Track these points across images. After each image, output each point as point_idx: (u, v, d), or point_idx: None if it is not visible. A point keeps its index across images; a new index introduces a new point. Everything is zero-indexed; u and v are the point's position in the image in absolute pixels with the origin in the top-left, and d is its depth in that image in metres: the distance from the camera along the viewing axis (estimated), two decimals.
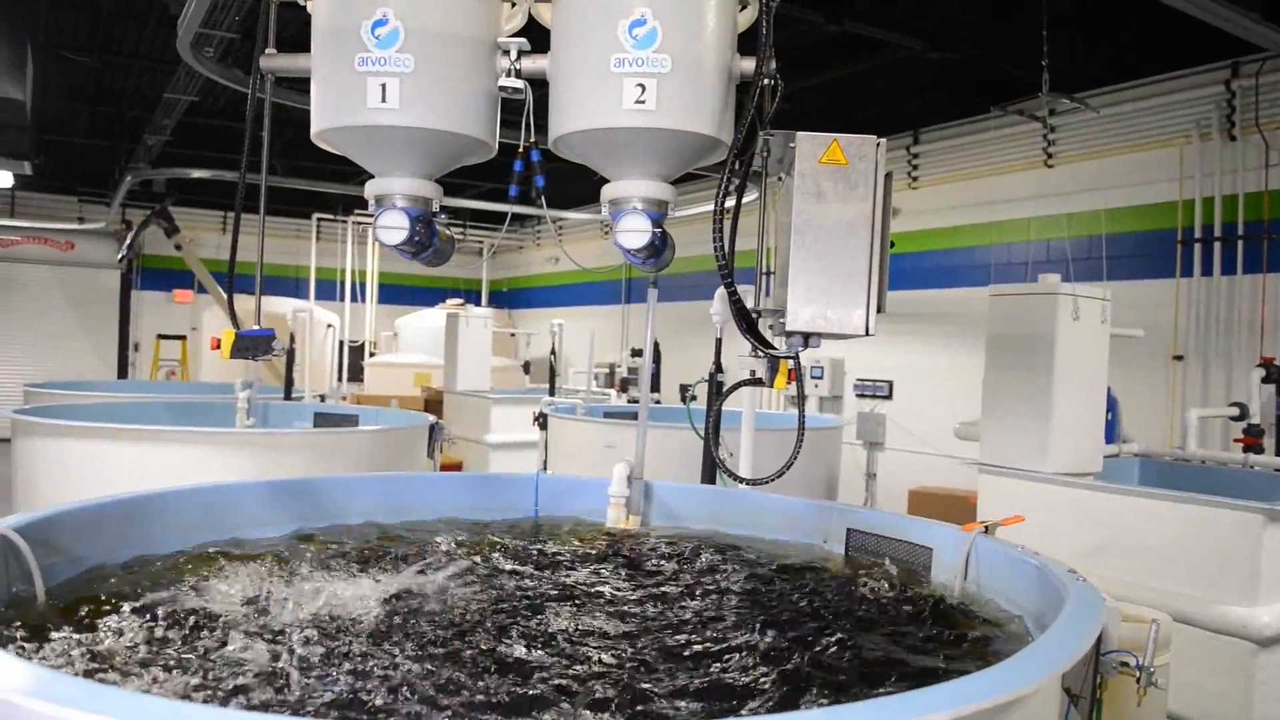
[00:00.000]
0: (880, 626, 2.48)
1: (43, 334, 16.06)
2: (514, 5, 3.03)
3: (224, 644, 2.10)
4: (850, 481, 9.83)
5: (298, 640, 2.11)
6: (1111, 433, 5.67)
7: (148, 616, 2.23)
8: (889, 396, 10.93)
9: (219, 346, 3.07)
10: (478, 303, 18.39)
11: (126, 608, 2.28)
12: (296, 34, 3.33)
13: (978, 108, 9.54)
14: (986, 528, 2.86)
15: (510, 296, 20.64)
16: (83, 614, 2.22)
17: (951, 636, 2.42)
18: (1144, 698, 2.23)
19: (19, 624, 2.11)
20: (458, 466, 9.76)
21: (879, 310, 2.73)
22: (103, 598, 2.35)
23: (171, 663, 1.98)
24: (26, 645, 2.00)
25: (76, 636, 2.08)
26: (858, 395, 11.21)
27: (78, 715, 1.27)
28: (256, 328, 3.10)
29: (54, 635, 2.08)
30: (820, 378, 11.50)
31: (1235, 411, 6.53)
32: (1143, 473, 5.95)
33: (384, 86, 2.73)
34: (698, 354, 6.93)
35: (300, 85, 3.19)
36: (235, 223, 3.25)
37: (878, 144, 2.72)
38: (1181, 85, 8.27)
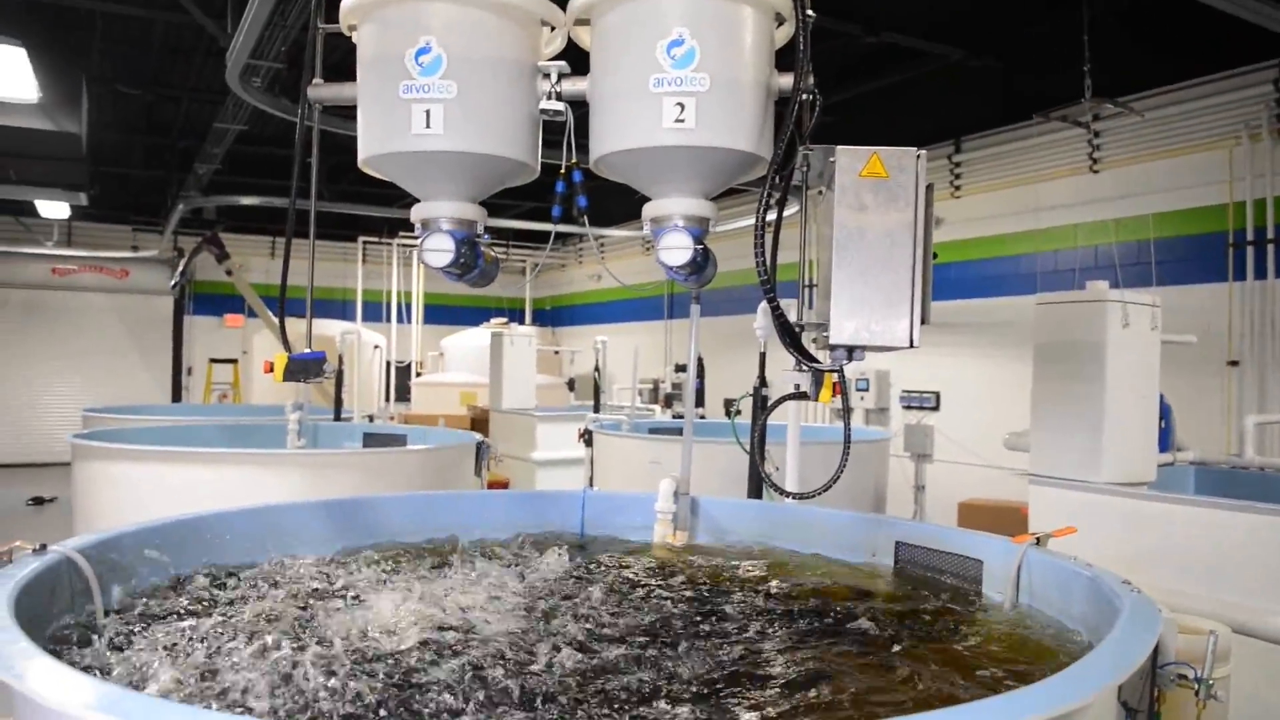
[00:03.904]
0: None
1: (100, 360, 16.45)
2: (553, 29, 3.08)
3: (289, 658, 2.13)
4: (899, 494, 9.74)
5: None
6: (1165, 441, 5.57)
7: (208, 632, 2.28)
8: (936, 408, 10.82)
9: (272, 370, 3.14)
10: (521, 321, 18.55)
11: (186, 624, 2.33)
12: (340, 61, 3.40)
13: (1020, 114, 9.47)
14: (1038, 539, 2.82)
15: (554, 314, 20.77)
16: (144, 631, 2.28)
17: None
18: (1203, 711, 2.19)
19: (83, 642, 2.17)
20: (504, 484, 9.83)
21: (923, 321, 2.72)
22: (162, 615, 2.40)
23: (234, 678, 2.02)
24: (91, 663, 2.06)
25: (139, 654, 2.13)
26: (904, 407, 11.12)
27: None
28: (308, 351, 3.16)
29: (118, 652, 2.13)
30: (866, 390, 11.42)
31: None
32: (1198, 481, 5.84)
33: (428, 113, 2.78)
34: (741, 368, 6.94)
35: (345, 112, 3.26)
36: (286, 248, 3.32)
37: (918, 156, 2.72)
38: (1228, 86, 8.14)
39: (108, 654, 2.13)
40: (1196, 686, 2.13)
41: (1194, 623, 2.88)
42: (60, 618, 2.26)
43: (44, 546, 2.30)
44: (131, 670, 2.04)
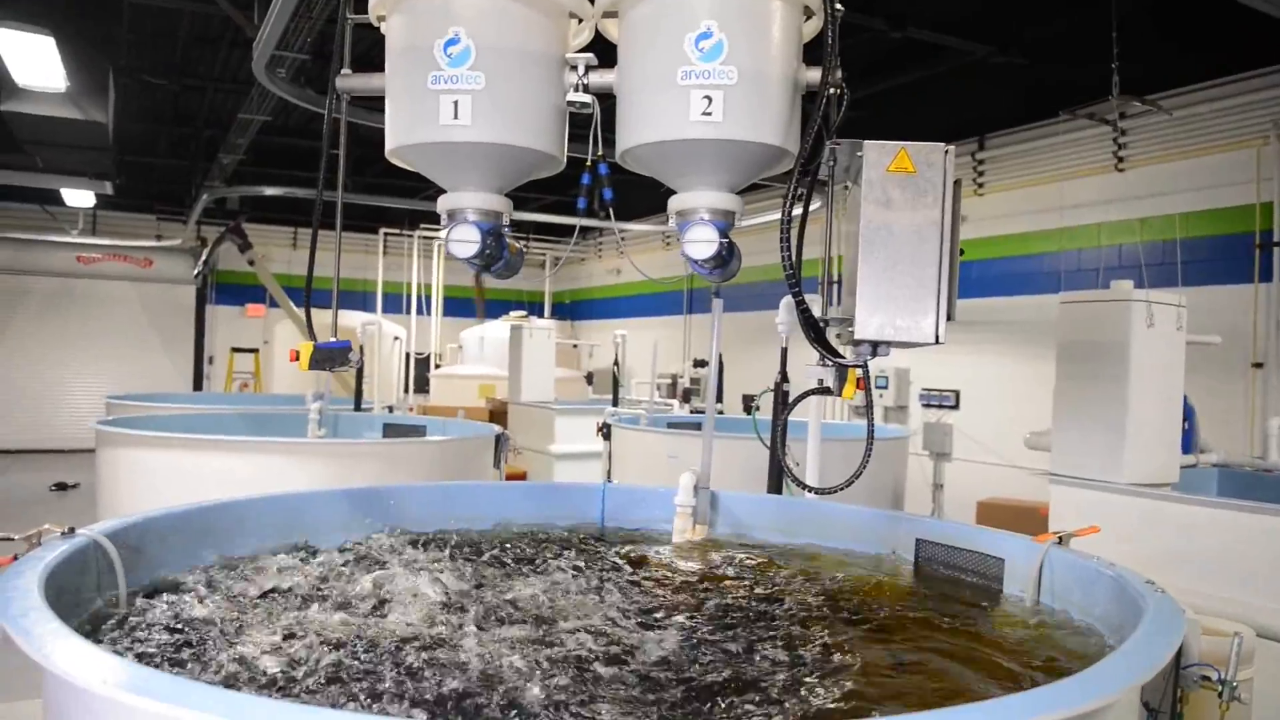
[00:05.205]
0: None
1: (123, 347, 16.59)
2: (581, 21, 3.08)
3: (314, 641, 2.16)
4: (917, 493, 9.70)
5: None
6: (1189, 442, 5.53)
7: (229, 615, 2.31)
8: (956, 406, 10.77)
9: (297, 358, 3.15)
10: (541, 314, 18.58)
11: (208, 607, 2.36)
12: (366, 52, 3.42)
13: (1045, 112, 9.39)
14: (1060, 538, 2.81)
15: (573, 308, 20.79)
16: (167, 614, 2.30)
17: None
18: (1226, 712, 2.17)
19: (110, 624, 2.20)
20: (522, 476, 9.84)
21: (949, 318, 2.71)
22: (185, 599, 2.43)
23: (255, 659, 2.04)
24: (119, 645, 2.09)
25: (161, 636, 2.16)
26: (924, 405, 11.07)
27: (176, 710, 1.33)
28: (333, 340, 3.17)
29: (140, 634, 2.16)
30: (885, 388, 11.38)
31: None
32: (1222, 483, 5.79)
33: (456, 103, 2.79)
34: (761, 365, 6.92)
35: (369, 104, 3.28)
36: (313, 239, 3.34)
37: (946, 151, 2.70)
38: (1257, 85, 8.06)
39: (134, 635, 2.15)
40: (1220, 688, 2.12)
41: (1218, 625, 2.86)
42: (88, 600, 2.29)
43: (72, 530, 2.33)
44: (158, 650, 2.07)
